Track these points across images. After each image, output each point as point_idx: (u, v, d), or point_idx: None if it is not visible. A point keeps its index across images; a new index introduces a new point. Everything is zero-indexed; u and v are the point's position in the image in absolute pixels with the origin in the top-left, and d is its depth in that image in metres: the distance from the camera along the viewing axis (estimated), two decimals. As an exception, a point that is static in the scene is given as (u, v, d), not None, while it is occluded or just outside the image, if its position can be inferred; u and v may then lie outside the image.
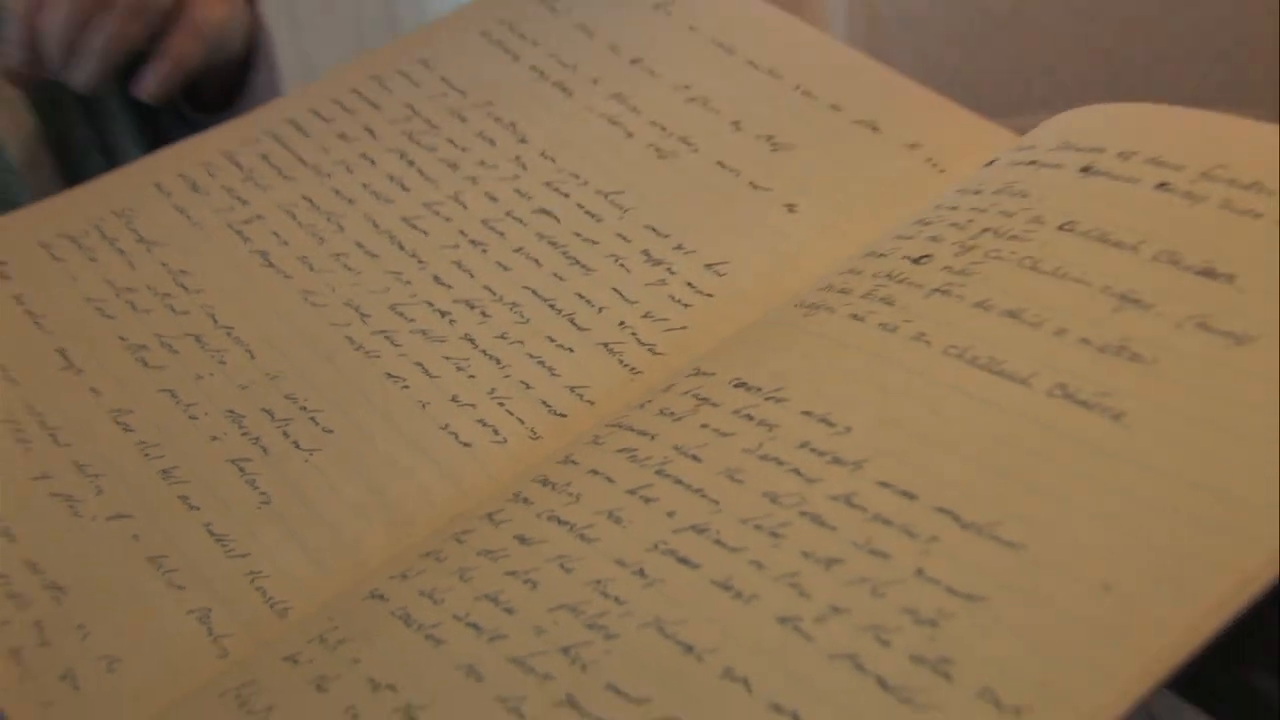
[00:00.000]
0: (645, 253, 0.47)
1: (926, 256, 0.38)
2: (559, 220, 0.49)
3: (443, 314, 0.47)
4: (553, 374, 0.44)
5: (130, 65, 0.62)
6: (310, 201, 0.53)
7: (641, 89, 0.53)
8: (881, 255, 0.40)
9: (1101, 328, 0.32)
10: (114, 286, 0.51)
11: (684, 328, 0.44)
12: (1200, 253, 0.33)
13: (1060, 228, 0.36)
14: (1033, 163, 0.40)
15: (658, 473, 0.35)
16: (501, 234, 0.49)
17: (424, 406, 0.44)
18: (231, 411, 0.45)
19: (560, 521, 0.35)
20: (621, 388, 0.42)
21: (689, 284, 0.45)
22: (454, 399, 0.44)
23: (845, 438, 0.33)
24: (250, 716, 0.34)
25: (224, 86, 0.68)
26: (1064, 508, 0.29)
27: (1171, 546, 0.27)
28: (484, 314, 0.46)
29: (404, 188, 0.52)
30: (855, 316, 0.37)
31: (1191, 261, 0.33)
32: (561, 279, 0.47)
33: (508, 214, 0.50)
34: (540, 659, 0.31)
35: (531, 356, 0.44)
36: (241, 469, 0.43)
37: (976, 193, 0.40)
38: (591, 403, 0.42)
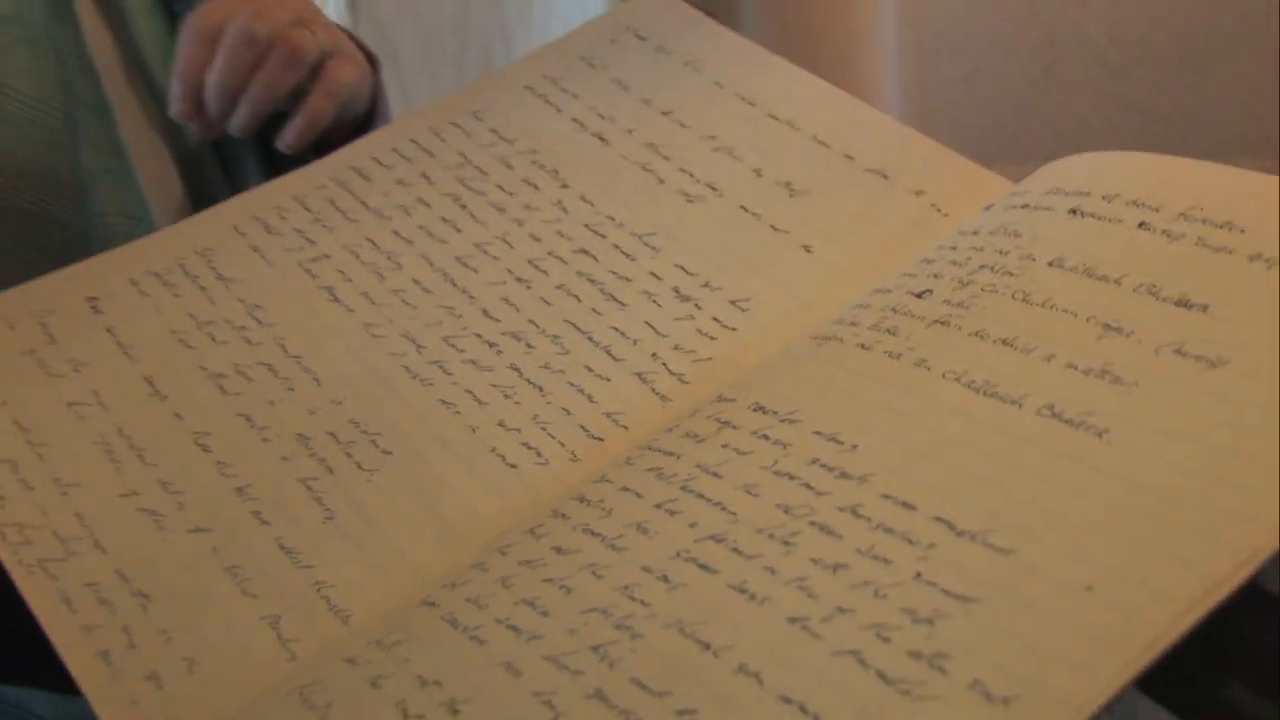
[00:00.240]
0: (675, 289, 0.47)
1: (928, 291, 0.38)
2: (597, 259, 0.49)
3: (491, 345, 0.47)
4: (591, 401, 0.44)
5: (268, 122, 0.64)
6: (372, 242, 0.53)
7: (672, 139, 0.53)
8: (888, 291, 0.40)
9: (1087, 353, 0.33)
10: (195, 319, 0.51)
11: (710, 359, 0.44)
12: (1177, 285, 0.33)
13: (1050, 263, 0.36)
14: (1025, 206, 0.40)
15: (682, 488, 0.36)
16: (544, 272, 0.49)
17: (474, 430, 0.44)
18: (300, 434, 0.45)
19: (593, 533, 0.36)
20: (653, 414, 0.43)
21: (715, 319, 0.45)
22: (501, 424, 0.44)
23: (852, 455, 0.34)
24: (311, 712, 0.35)
25: (347, 141, 0.68)
26: (1051, 516, 0.29)
27: (1149, 552, 0.27)
28: (528, 345, 0.46)
29: (456, 229, 0.52)
30: (863, 346, 0.38)
31: (1169, 293, 0.33)
32: (599, 313, 0.47)
33: (550, 253, 0.50)
34: (572, 657, 0.32)
35: (572, 385, 0.44)
36: (309, 487, 0.43)
37: (974, 234, 0.41)
38: (626, 428, 0.42)
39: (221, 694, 0.38)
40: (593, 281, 0.48)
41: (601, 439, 0.42)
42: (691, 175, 0.51)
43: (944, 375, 0.35)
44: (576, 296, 0.48)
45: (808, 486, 0.33)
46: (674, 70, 0.56)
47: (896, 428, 0.34)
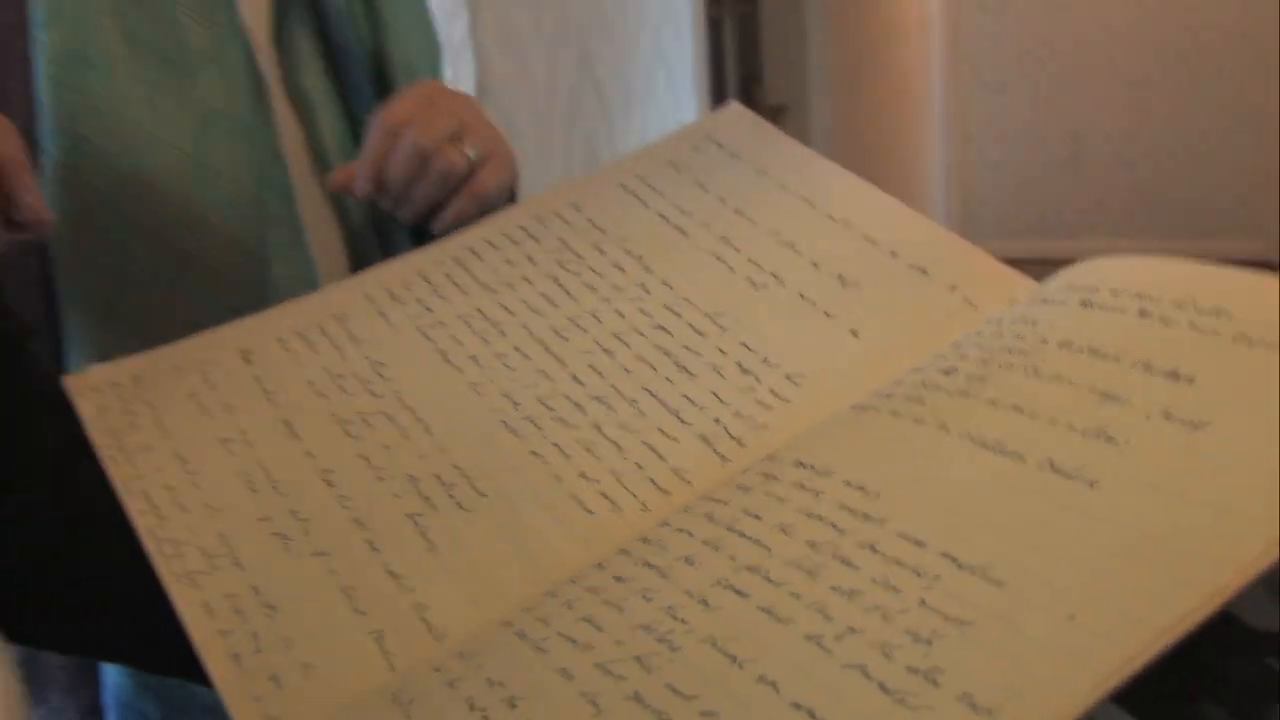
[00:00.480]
0: (738, 364, 0.48)
1: (954, 369, 0.40)
2: (672, 335, 0.50)
3: (578, 406, 0.48)
4: (661, 459, 0.45)
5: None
6: (481, 312, 0.54)
7: (742, 233, 0.54)
8: (920, 370, 0.41)
9: (1085, 416, 0.34)
10: (329, 373, 0.53)
11: (765, 426, 0.45)
12: (1169, 361, 0.34)
13: (1059, 344, 0.37)
14: (1044, 301, 0.41)
15: (727, 528, 0.37)
16: (626, 344, 0.50)
17: (559, 480, 0.45)
18: (410, 475, 0.46)
19: (649, 565, 0.38)
20: (713, 471, 0.44)
21: (772, 391, 0.46)
22: (583, 475, 0.45)
23: (875, 500, 0.35)
24: (398, 709, 0.37)
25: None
26: (1043, 554, 0.30)
27: (1127, 587, 0.28)
28: (610, 407, 0.47)
29: (553, 304, 0.53)
30: (894, 413, 0.39)
31: (1162, 367, 0.34)
32: (672, 382, 0.48)
33: (632, 328, 0.51)
34: (618, 664, 0.33)
35: (645, 444, 0.45)
36: (415, 522, 0.45)
37: (999, 323, 0.42)
38: (689, 483, 0.43)
39: (329, 695, 0.39)
40: (667, 354, 0.49)
41: (669, 492, 0.43)
42: (758, 265, 0.52)
43: (960, 435, 0.36)
44: (653, 366, 0.49)
45: (834, 526, 0.34)
46: (747, 174, 0.57)
47: (915, 478, 0.35)
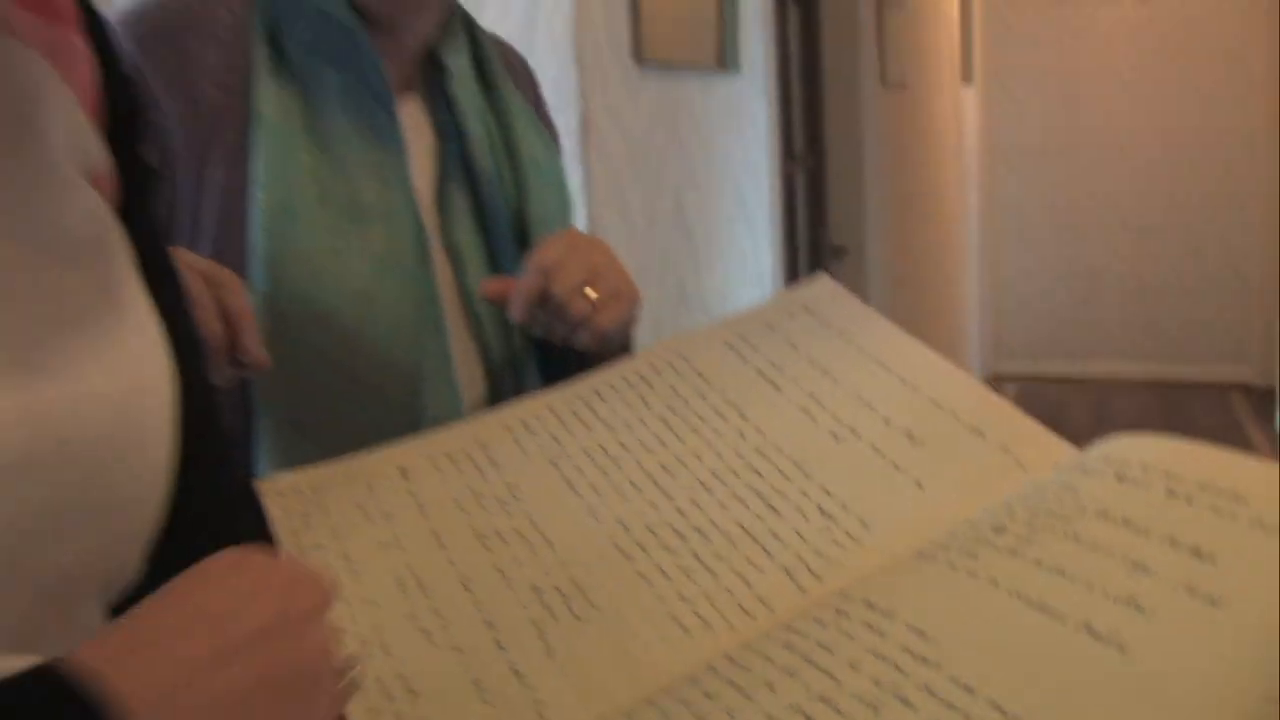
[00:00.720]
0: (819, 507, 0.50)
1: (1003, 527, 0.42)
2: (763, 476, 0.52)
3: (680, 534, 0.50)
4: (749, 586, 0.47)
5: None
6: (602, 448, 0.56)
7: (826, 390, 0.56)
8: (974, 524, 0.43)
9: (1118, 585, 0.35)
10: (471, 491, 0.55)
11: (839, 563, 0.47)
12: (1192, 538, 0.36)
13: (1097, 514, 0.39)
14: (1084, 470, 0.43)
15: (804, 658, 0.39)
16: (724, 482, 0.53)
17: (661, 599, 0.47)
18: (535, 586, 0.49)
19: (733, 684, 0.40)
20: (793, 600, 0.46)
21: (846, 532, 0.48)
22: (680, 596, 0.47)
23: (933, 646, 0.37)
24: None
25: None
26: (1076, 707, 0.32)
27: None
28: (707, 538, 0.50)
29: (662, 443, 0.56)
30: (951, 565, 0.41)
31: (1186, 543, 0.36)
32: (761, 519, 0.50)
33: (729, 469, 0.53)
34: None
35: (735, 572, 0.47)
36: (537, 627, 0.47)
37: (1044, 488, 0.43)
38: (771, 609, 0.45)
39: None
40: (758, 494, 0.52)
41: (754, 616, 0.45)
42: (838, 419, 0.54)
43: (1009, 592, 0.38)
44: (745, 504, 0.51)
45: (896, 667, 0.36)
46: (831, 339, 0.60)
47: (968, 628, 0.37)
